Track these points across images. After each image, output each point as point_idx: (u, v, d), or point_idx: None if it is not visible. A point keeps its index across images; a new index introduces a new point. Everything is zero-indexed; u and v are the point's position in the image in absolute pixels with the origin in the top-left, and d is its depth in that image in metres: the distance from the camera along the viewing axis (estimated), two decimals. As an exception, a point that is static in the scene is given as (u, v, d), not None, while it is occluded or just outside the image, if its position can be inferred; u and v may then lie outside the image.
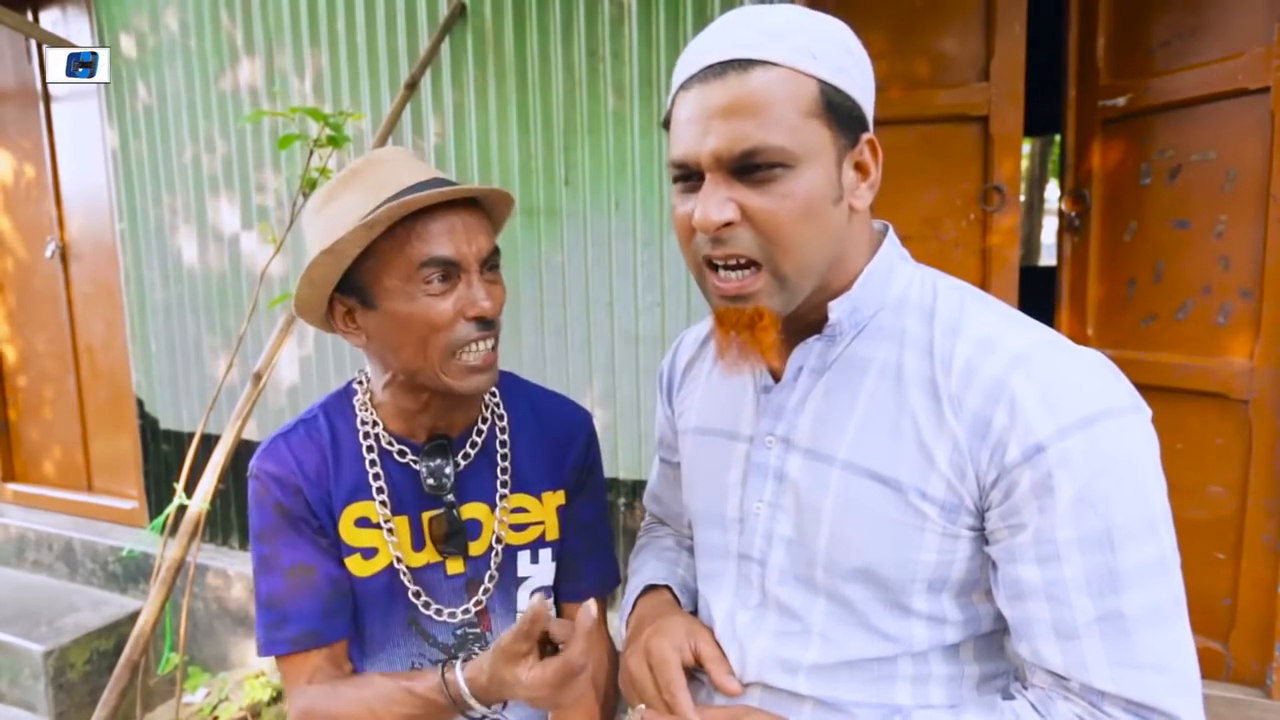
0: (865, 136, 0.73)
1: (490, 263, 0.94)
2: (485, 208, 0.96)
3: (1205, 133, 1.90)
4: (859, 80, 0.72)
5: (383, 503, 0.99)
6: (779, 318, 0.73)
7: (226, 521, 3.15)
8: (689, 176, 0.72)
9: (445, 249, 0.88)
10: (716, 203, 0.69)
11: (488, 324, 0.92)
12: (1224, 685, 1.90)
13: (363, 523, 0.99)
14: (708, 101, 0.68)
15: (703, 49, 0.71)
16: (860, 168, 0.74)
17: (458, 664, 0.90)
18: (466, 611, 1.03)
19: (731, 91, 0.67)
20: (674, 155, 0.72)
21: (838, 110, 0.70)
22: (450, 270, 0.89)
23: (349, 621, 1.00)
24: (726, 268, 0.72)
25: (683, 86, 0.72)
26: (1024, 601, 0.70)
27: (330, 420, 1.02)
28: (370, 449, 1.00)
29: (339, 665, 0.99)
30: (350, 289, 0.92)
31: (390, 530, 0.99)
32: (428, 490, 0.99)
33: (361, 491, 0.99)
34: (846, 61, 0.71)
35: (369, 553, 0.99)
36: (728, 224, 0.69)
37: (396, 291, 0.89)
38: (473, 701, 0.88)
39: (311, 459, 0.98)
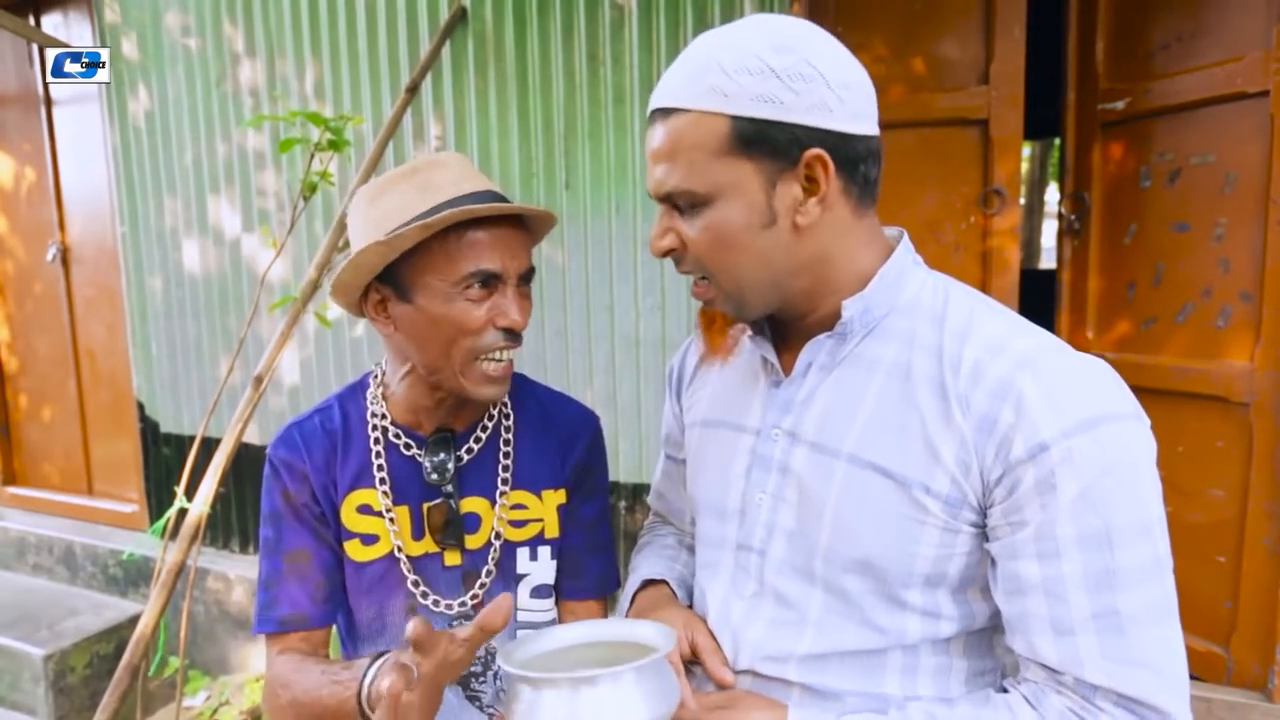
0: (810, 154, 0.73)
1: (525, 278, 0.98)
2: (529, 225, 1.00)
3: (1205, 136, 1.90)
4: (801, 100, 0.71)
5: (384, 492, 1.03)
6: (732, 320, 0.85)
7: (227, 525, 3.15)
8: None
9: (492, 262, 0.93)
10: (658, 232, 0.80)
11: (514, 335, 0.96)
12: (1225, 689, 1.90)
13: (365, 509, 1.03)
14: (648, 146, 0.79)
15: (658, 88, 0.79)
16: (811, 182, 0.74)
17: (374, 666, 0.83)
18: (463, 604, 1.05)
19: (656, 139, 0.77)
20: None
21: (758, 140, 0.72)
22: (490, 279, 0.94)
23: (334, 611, 1.05)
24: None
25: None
26: (1022, 597, 0.72)
27: (344, 409, 1.07)
28: (377, 440, 1.04)
29: (315, 650, 1.03)
30: (389, 279, 0.96)
31: (392, 519, 1.03)
32: (429, 482, 1.03)
33: (365, 479, 1.03)
34: (772, 87, 0.71)
35: (369, 539, 1.03)
36: (671, 249, 0.80)
37: (436, 291, 0.93)
38: (366, 708, 0.81)
39: (320, 447, 1.03)
